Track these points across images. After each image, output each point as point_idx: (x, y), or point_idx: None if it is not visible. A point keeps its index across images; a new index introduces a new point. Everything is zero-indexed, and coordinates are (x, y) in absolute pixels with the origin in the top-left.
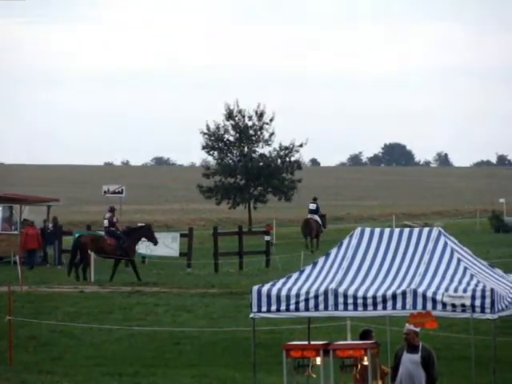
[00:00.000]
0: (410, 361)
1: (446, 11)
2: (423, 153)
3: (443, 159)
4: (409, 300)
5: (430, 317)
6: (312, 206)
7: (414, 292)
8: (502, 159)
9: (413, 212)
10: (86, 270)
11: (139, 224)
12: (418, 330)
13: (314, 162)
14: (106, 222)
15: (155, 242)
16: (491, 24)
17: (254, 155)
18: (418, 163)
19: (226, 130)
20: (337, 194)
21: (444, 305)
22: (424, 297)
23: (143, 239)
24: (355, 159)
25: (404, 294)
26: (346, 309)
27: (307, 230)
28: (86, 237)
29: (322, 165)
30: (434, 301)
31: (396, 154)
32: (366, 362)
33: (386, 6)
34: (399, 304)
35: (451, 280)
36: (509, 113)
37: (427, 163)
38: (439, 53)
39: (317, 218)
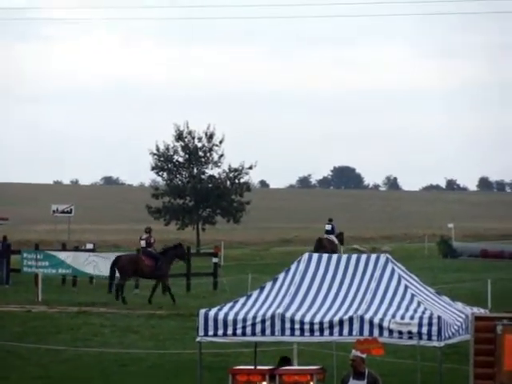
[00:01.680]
0: None
1: (387, 34)
2: (372, 176)
3: (392, 183)
4: (355, 326)
5: (377, 343)
6: (328, 227)
7: (361, 318)
8: (450, 184)
9: (361, 235)
10: (123, 291)
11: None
12: (364, 356)
13: (263, 183)
14: (142, 243)
15: (186, 260)
16: (442, 48)
17: (203, 177)
18: (367, 186)
19: (176, 151)
20: (285, 217)
21: (391, 331)
22: (371, 323)
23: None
24: (304, 182)
25: (351, 320)
26: (292, 334)
27: (318, 248)
28: (124, 258)
29: (271, 187)
30: (381, 327)
31: (345, 177)
32: None
33: (326, 30)
34: (346, 330)
35: (398, 307)
36: (457, 137)
37: (376, 187)
38: (385, 76)
39: (333, 237)
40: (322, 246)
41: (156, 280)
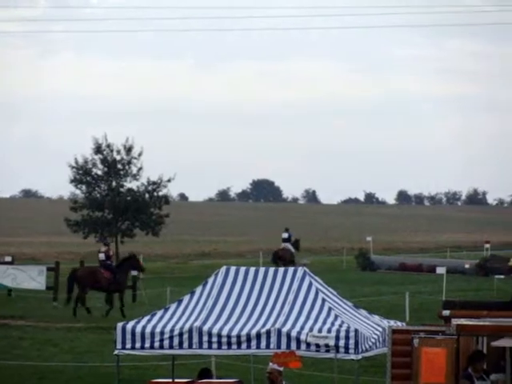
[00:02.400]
0: None
1: (312, 47)
2: (291, 189)
3: (311, 196)
4: (273, 339)
5: (294, 356)
6: (284, 235)
7: (279, 331)
8: (369, 197)
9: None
10: (85, 303)
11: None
12: (281, 369)
13: (183, 196)
14: (101, 256)
15: (143, 270)
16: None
17: (121, 189)
18: (285, 200)
19: (94, 164)
20: (204, 230)
21: (308, 345)
22: (288, 336)
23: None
24: (223, 194)
25: (268, 333)
26: (210, 347)
27: (275, 259)
28: (83, 270)
29: (190, 200)
30: (299, 340)
31: (264, 190)
32: None
33: (248, 43)
34: (263, 343)
35: (316, 320)
36: (376, 151)
37: (295, 200)
38: (305, 89)
39: (289, 246)
40: (278, 257)
41: (109, 293)
